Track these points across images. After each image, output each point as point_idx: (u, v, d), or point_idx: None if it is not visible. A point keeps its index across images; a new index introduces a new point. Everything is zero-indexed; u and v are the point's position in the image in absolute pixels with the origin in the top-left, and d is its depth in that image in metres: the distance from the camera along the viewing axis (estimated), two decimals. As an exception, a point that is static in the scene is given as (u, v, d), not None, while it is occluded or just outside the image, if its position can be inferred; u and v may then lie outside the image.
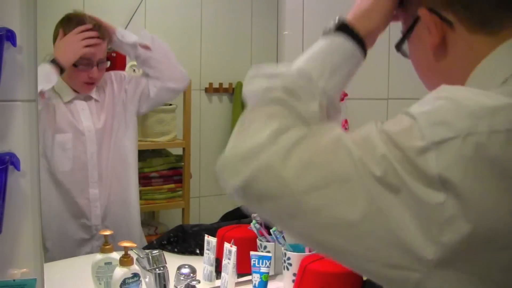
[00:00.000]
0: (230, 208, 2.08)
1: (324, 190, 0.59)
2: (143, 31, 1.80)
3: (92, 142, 1.71)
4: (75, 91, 1.72)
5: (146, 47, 1.77)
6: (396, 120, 0.63)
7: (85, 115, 1.72)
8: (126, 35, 1.76)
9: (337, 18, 0.82)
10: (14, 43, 1.20)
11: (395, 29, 2.06)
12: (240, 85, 2.06)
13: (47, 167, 1.62)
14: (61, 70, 1.60)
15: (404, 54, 0.87)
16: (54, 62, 1.58)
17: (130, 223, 1.77)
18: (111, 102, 1.80)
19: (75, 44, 1.64)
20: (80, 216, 1.69)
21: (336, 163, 0.59)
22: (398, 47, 0.87)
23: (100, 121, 1.75)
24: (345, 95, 1.83)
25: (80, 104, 1.73)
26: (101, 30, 1.71)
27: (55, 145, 1.64)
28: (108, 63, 1.78)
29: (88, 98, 1.75)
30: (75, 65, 1.67)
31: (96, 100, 1.76)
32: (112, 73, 1.82)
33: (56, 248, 1.62)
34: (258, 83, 0.75)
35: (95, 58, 1.71)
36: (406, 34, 0.82)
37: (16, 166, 1.22)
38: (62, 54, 1.62)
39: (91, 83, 1.74)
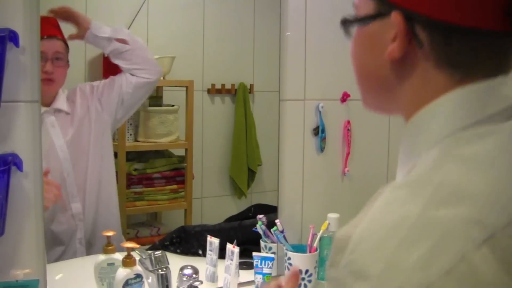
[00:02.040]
0: (232, 209, 2.08)
1: None
2: (117, 26, 1.78)
3: (66, 160, 1.67)
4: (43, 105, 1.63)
5: (123, 41, 1.75)
6: None
7: (56, 132, 1.68)
8: (101, 29, 1.73)
9: None
10: (17, 44, 1.20)
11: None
12: (242, 86, 2.06)
13: None
14: None
15: (347, 34, 0.76)
16: None
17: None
18: (84, 114, 1.75)
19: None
20: (65, 231, 1.68)
21: None
22: (345, 24, 0.75)
23: (72, 136, 1.71)
24: (348, 95, 1.83)
25: (50, 121, 1.68)
26: (74, 21, 1.69)
27: None
28: (68, 62, 1.72)
29: (57, 111, 1.70)
30: None
31: (66, 113, 1.72)
32: (80, 86, 1.78)
33: None
34: None
35: (48, 52, 1.66)
36: (362, 20, 0.71)
37: (19, 167, 1.22)
38: None
39: (48, 79, 1.66)
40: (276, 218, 1.62)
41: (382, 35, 0.65)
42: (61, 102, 1.71)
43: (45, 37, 1.66)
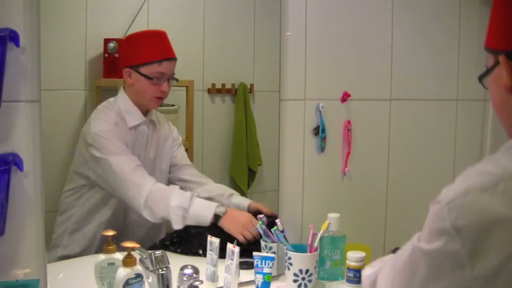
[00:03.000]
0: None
1: None
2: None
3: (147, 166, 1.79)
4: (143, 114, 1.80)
5: None
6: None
7: (143, 141, 1.83)
8: None
9: None
10: (17, 44, 1.20)
11: (398, 29, 2.06)
12: (242, 86, 2.06)
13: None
14: None
15: (484, 85, 1.00)
16: None
17: None
18: (163, 137, 1.90)
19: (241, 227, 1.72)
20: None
21: None
22: (480, 79, 1.00)
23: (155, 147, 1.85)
24: (348, 95, 1.83)
25: (143, 129, 1.81)
26: None
27: None
28: (175, 81, 1.83)
29: (151, 122, 1.84)
30: (149, 77, 1.71)
31: (155, 126, 1.86)
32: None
33: None
34: None
35: (168, 73, 1.75)
36: (489, 70, 0.95)
37: (19, 167, 1.22)
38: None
39: (161, 98, 1.79)
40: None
41: (500, 75, 0.91)
42: (152, 114, 1.86)
43: (169, 58, 1.78)
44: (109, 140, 1.70)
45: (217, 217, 1.70)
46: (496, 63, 0.92)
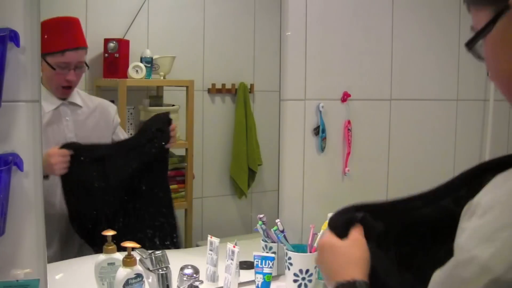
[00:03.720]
0: (232, 209, 2.08)
1: None
2: None
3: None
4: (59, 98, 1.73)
5: None
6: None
7: (68, 124, 1.73)
8: None
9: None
10: (17, 44, 1.20)
11: (398, 29, 2.06)
12: (242, 86, 2.06)
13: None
14: None
15: (476, 55, 0.74)
16: None
17: None
18: (99, 118, 1.83)
19: (51, 167, 1.63)
20: None
21: None
22: (470, 45, 0.72)
23: (83, 130, 1.76)
24: (348, 95, 1.83)
25: (64, 113, 1.73)
26: None
27: None
28: (86, 68, 1.77)
29: (72, 105, 1.75)
30: (53, 67, 1.67)
31: (80, 107, 1.77)
32: (100, 101, 1.85)
33: None
34: None
35: (72, 62, 1.71)
36: (484, 30, 0.68)
37: (19, 167, 1.22)
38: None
39: (68, 87, 1.73)
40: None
41: (509, 30, 0.65)
42: (75, 96, 1.76)
43: (73, 48, 1.72)
44: None
45: None
46: (496, 16, 0.66)
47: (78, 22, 1.73)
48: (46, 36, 1.64)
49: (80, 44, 1.75)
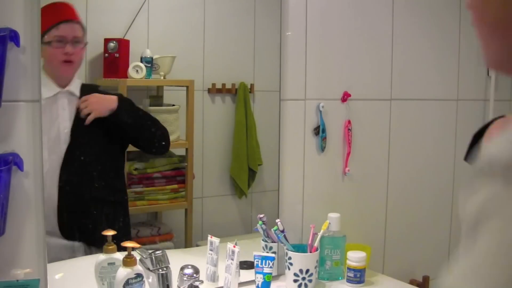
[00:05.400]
0: (233, 209, 2.08)
1: None
2: None
3: (66, 143, 1.69)
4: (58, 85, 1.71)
5: None
6: None
7: (64, 115, 1.71)
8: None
9: None
10: (17, 44, 1.20)
11: (398, 29, 2.07)
12: (243, 85, 2.06)
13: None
14: None
15: None
16: None
17: None
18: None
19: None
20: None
21: None
22: None
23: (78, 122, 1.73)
24: (348, 95, 1.83)
25: (61, 102, 1.71)
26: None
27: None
28: (86, 44, 1.75)
29: (70, 95, 1.72)
30: (49, 43, 1.68)
31: (78, 98, 1.73)
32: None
33: None
34: None
35: (68, 36, 1.70)
36: None
37: (20, 167, 1.22)
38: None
39: (68, 61, 1.71)
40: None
41: None
42: (75, 87, 1.74)
43: (64, 21, 1.71)
44: None
45: None
46: None
47: (71, 5, 1.73)
48: (42, 20, 1.64)
49: (73, 17, 1.74)
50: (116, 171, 1.82)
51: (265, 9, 2.05)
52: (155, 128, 1.83)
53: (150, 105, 1.95)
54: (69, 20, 1.73)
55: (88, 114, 1.69)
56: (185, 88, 1.97)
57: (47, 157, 1.60)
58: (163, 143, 1.85)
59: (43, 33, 1.65)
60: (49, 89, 1.68)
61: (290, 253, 1.55)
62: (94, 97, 1.73)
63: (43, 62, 1.63)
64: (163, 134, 1.84)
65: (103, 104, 1.74)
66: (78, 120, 1.72)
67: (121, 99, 1.76)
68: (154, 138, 1.86)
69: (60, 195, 1.62)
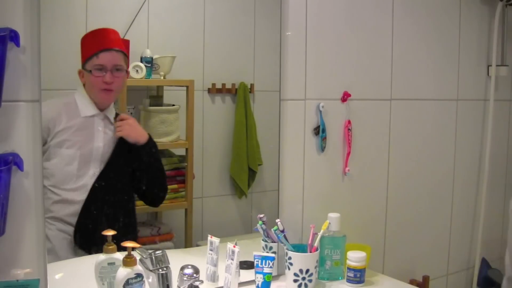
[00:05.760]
0: (233, 209, 2.08)
1: None
2: None
3: (97, 161, 1.74)
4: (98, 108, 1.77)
5: None
6: None
7: (98, 136, 1.76)
8: None
9: None
10: (17, 44, 1.20)
11: (398, 29, 2.07)
12: (243, 85, 2.06)
13: None
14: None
15: None
16: None
17: None
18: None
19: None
20: None
21: None
22: None
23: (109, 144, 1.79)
24: (348, 95, 1.83)
25: (98, 124, 1.76)
26: None
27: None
28: (128, 72, 1.80)
29: (106, 119, 1.78)
30: (90, 71, 1.70)
31: (111, 123, 1.79)
32: None
33: None
34: None
35: (108, 64, 1.73)
36: None
37: (20, 167, 1.22)
38: None
39: (107, 89, 1.75)
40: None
41: None
42: (111, 112, 1.79)
43: (104, 50, 1.74)
44: None
45: None
46: None
47: (115, 31, 1.78)
48: (82, 47, 1.72)
49: (114, 45, 1.78)
50: (129, 193, 1.86)
51: (265, 9, 2.05)
52: (162, 180, 1.90)
53: (150, 105, 1.95)
54: (110, 49, 1.76)
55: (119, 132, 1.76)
56: (185, 88, 1.97)
57: (76, 171, 1.68)
58: (161, 194, 1.90)
59: (85, 61, 1.72)
60: (89, 109, 1.74)
61: (290, 253, 1.55)
62: (132, 120, 1.81)
63: (85, 85, 1.73)
64: (165, 189, 1.90)
65: (135, 131, 1.80)
66: (109, 142, 1.77)
67: (151, 138, 1.83)
68: (158, 186, 1.90)
69: (86, 205, 1.68)
